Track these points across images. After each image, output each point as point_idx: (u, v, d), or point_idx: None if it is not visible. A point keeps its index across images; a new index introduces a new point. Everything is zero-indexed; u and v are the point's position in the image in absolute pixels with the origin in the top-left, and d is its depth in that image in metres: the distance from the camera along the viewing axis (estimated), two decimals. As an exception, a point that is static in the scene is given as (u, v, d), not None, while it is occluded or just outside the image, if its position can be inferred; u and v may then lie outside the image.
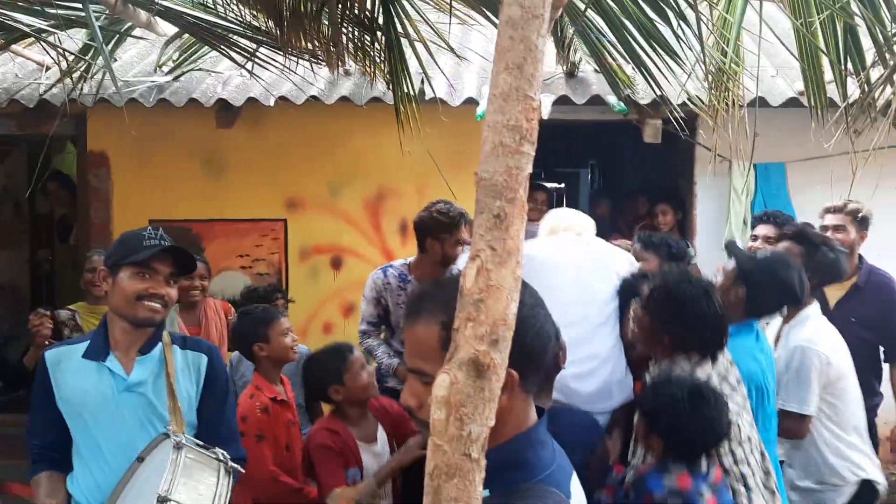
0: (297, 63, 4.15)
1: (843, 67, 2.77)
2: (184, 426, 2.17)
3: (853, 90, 2.94)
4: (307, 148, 5.18)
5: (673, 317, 2.40)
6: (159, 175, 5.19)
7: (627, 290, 2.94)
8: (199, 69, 4.91)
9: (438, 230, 3.54)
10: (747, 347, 2.68)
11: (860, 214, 3.66)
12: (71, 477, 2.24)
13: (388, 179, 5.26)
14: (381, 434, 2.96)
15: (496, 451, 0.98)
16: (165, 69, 4.94)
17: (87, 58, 4.03)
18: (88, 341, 2.26)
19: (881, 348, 3.68)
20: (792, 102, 4.44)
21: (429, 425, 1.11)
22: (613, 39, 3.28)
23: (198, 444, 2.13)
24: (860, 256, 3.71)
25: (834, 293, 3.66)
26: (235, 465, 2.12)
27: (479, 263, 0.84)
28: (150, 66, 5.07)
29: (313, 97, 4.73)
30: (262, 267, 5.36)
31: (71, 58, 3.88)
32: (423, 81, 4.39)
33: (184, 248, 2.25)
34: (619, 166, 8.10)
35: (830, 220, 3.68)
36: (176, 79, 4.87)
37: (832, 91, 3.16)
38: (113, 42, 4.14)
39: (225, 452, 2.13)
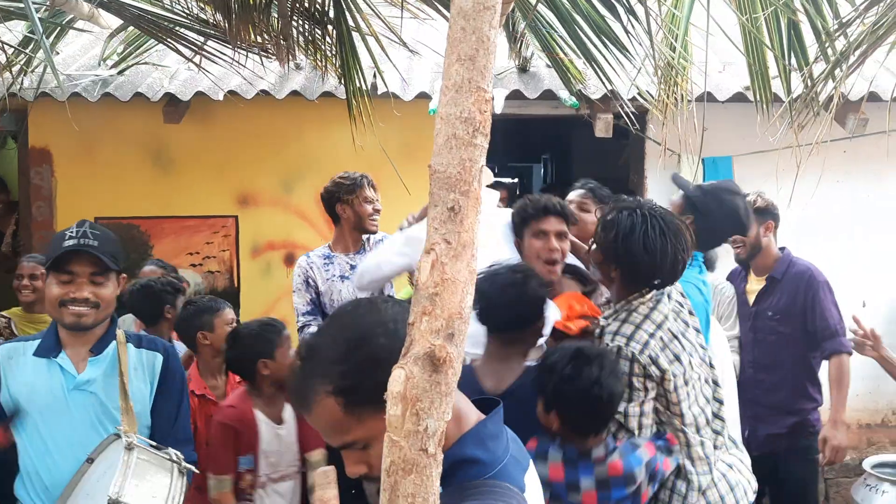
0: (247, 57, 4.08)
1: (787, 62, 2.83)
2: (136, 426, 2.11)
3: (797, 85, 3.01)
4: (258, 143, 5.10)
5: (617, 249, 2.26)
6: (105, 171, 5.05)
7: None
8: (146, 63, 4.80)
9: (343, 193, 3.72)
10: (691, 279, 2.62)
11: (755, 206, 3.54)
12: (19, 479, 2.18)
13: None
14: (290, 415, 2.88)
15: (447, 452, 0.97)
16: (110, 63, 4.82)
17: (27, 51, 3.91)
18: (41, 339, 2.21)
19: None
20: (738, 97, 4.53)
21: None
22: (565, 34, 3.31)
23: (150, 445, 2.09)
24: (782, 248, 3.63)
25: (752, 288, 3.65)
26: (189, 466, 2.07)
27: (433, 257, 0.83)
28: (93, 59, 4.94)
29: (264, 91, 4.66)
30: (212, 264, 5.27)
31: (10, 51, 3.75)
32: (374, 76, 4.36)
33: (89, 248, 2.11)
34: (571, 160, 8.18)
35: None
36: (121, 73, 4.75)
37: (777, 86, 3.24)
38: (54, 35, 4.03)
39: (178, 453, 2.09)
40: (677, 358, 2.24)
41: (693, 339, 2.36)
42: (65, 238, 2.11)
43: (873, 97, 4.04)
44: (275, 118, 5.01)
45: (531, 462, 1.21)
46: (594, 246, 2.38)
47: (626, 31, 2.87)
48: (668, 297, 2.35)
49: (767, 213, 3.62)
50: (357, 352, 1.09)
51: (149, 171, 5.08)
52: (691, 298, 2.49)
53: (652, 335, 2.23)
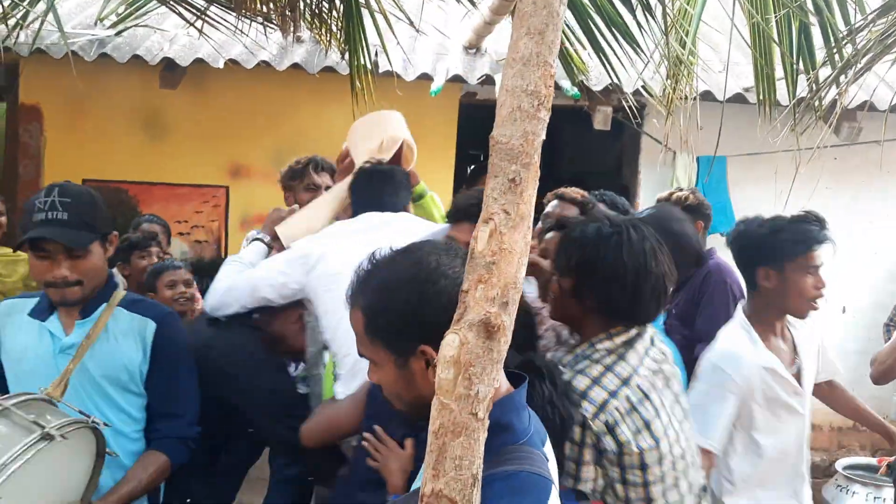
0: (250, 25, 4.04)
1: (795, 63, 2.86)
2: (63, 391, 1.97)
3: (801, 89, 3.05)
4: (254, 114, 5.07)
5: (583, 272, 1.79)
6: (96, 133, 4.99)
7: None
8: (144, 25, 4.73)
9: (289, 178, 3.64)
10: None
11: (686, 202, 3.45)
12: None
13: (334, 151, 5.17)
14: None
15: None
16: (107, 23, 4.74)
17: (24, 3, 3.83)
18: (39, 299, 2.14)
19: None
20: (736, 98, 4.58)
21: (390, 401, 1.21)
22: (574, 24, 3.31)
23: (59, 415, 1.85)
24: (709, 250, 3.44)
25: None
26: (55, 434, 1.73)
27: (492, 226, 0.84)
28: (90, 18, 4.85)
29: (264, 62, 4.62)
30: (200, 234, 5.24)
31: (7, 2, 3.67)
32: (377, 53, 4.34)
33: (58, 223, 1.95)
34: (562, 153, 8.20)
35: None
36: (119, 34, 4.68)
37: (780, 89, 3.27)
38: (54, -11, 3.94)
39: (97, 422, 1.88)
40: (647, 426, 1.71)
41: (672, 402, 1.83)
42: (34, 210, 1.96)
43: (870, 107, 4.10)
44: (272, 90, 4.97)
45: (547, 436, 1.25)
46: (555, 272, 1.90)
47: (640, 25, 2.88)
48: (644, 340, 1.82)
49: (698, 213, 3.46)
50: (386, 293, 1.19)
51: (141, 136, 5.03)
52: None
53: (614, 394, 1.69)
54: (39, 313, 2.10)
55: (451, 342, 0.84)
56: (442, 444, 0.82)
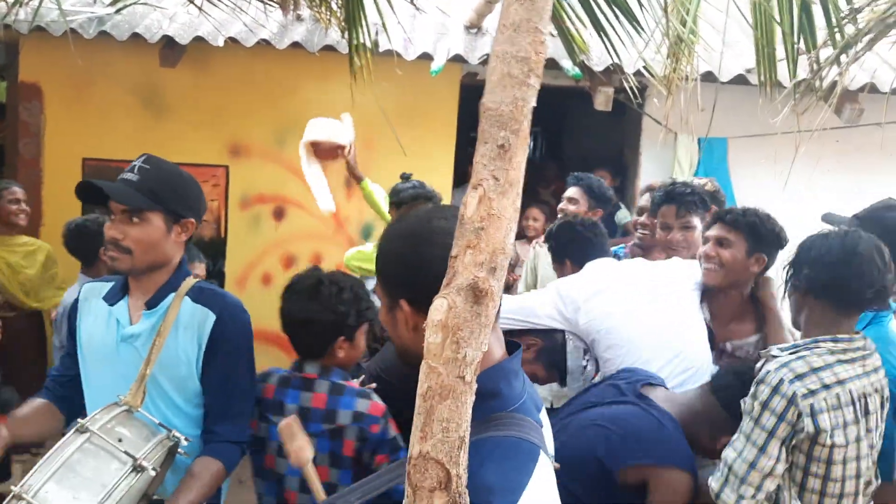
0: (250, 3, 4.03)
1: (796, 44, 2.85)
2: (142, 397, 1.90)
3: (803, 71, 3.04)
4: (254, 93, 5.05)
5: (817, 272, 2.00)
6: (96, 111, 4.98)
7: None
8: (144, 3, 4.71)
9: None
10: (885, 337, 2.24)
11: (705, 188, 3.42)
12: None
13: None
14: None
15: None
16: (107, 0, 4.72)
17: (24, -20, 3.81)
18: (115, 282, 2.07)
19: None
20: (738, 80, 4.56)
21: (398, 347, 1.23)
22: (575, 2, 3.29)
23: (141, 425, 1.81)
24: None
25: None
26: (146, 466, 1.71)
27: (481, 192, 0.85)
28: (90, -5, 4.84)
29: (264, 41, 4.61)
30: (200, 213, 5.24)
31: (7, -21, 3.66)
32: (377, 32, 4.32)
33: (124, 181, 1.90)
34: (563, 135, 8.19)
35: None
36: (118, 11, 4.66)
37: (781, 70, 3.26)
38: (53, -34, 3.92)
39: (178, 437, 1.84)
40: (845, 426, 1.90)
41: (875, 425, 1.99)
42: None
43: (871, 89, 4.08)
44: (272, 69, 4.96)
45: (543, 404, 1.26)
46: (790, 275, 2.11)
47: (640, 3, 2.87)
48: (871, 356, 2.02)
49: (715, 201, 3.46)
50: (390, 239, 1.25)
51: (140, 115, 5.02)
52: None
53: (827, 387, 1.90)
54: (111, 297, 2.03)
55: (439, 306, 0.84)
56: (430, 406, 0.83)
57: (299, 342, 2.18)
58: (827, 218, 2.62)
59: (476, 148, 0.88)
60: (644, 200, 3.64)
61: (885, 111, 3.36)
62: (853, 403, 1.91)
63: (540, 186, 6.09)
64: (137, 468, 1.69)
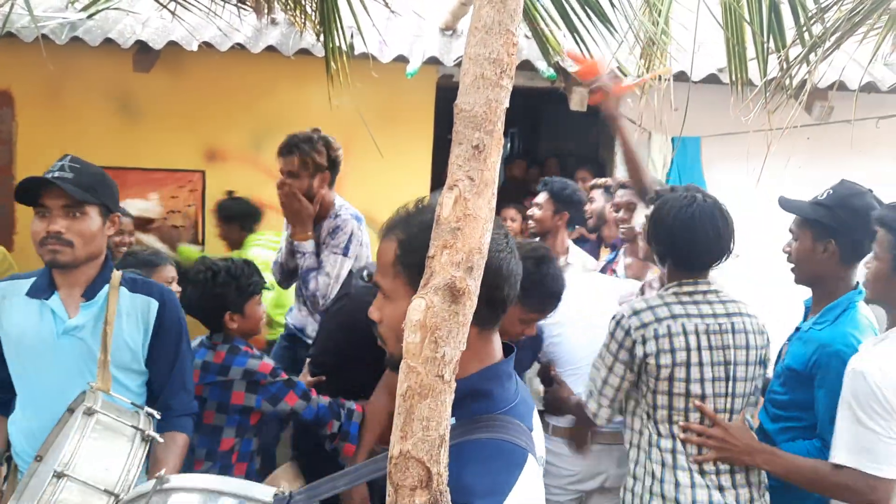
0: (224, 7, 4.01)
1: (765, 43, 2.90)
2: (110, 382, 2.01)
3: (772, 69, 3.08)
4: (229, 97, 5.03)
5: (659, 232, 2.37)
6: (69, 117, 4.93)
7: None
8: (116, 8, 4.67)
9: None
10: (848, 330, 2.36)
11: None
12: (11, 419, 2.14)
13: (311, 134, 5.18)
14: None
15: (464, 381, 1.02)
16: (79, 6, 4.68)
17: (-7, -14, 3.77)
18: (35, 278, 2.12)
19: None
20: (710, 79, 4.61)
21: (382, 340, 1.20)
22: (549, 4, 3.32)
23: (118, 408, 1.92)
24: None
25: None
26: (153, 434, 1.89)
27: (456, 193, 0.86)
28: (61, 1, 4.79)
29: (238, 45, 4.59)
30: (177, 219, 5.20)
31: (-25, -15, 3.62)
32: (352, 35, 4.32)
33: (60, 180, 1.97)
34: (539, 135, 8.23)
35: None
36: (90, 17, 4.62)
37: (752, 69, 3.31)
38: (24, -29, 3.88)
39: (153, 413, 1.95)
40: (672, 351, 2.25)
41: (720, 362, 2.29)
42: (49, 172, 2.01)
43: (840, 86, 4.15)
44: (247, 73, 4.94)
45: (535, 408, 1.26)
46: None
47: (613, 5, 2.90)
48: (727, 304, 2.32)
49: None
50: (429, 233, 1.20)
51: (114, 120, 4.97)
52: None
53: (659, 320, 2.26)
54: (39, 292, 2.08)
55: (417, 306, 0.85)
56: (409, 406, 0.84)
57: (200, 321, 2.57)
58: (783, 202, 2.66)
59: (451, 149, 0.89)
60: (619, 196, 3.70)
61: (855, 108, 3.42)
62: (685, 334, 2.25)
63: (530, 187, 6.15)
64: (145, 438, 1.86)
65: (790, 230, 2.61)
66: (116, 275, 2.14)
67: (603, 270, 3.71)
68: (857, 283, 2.41)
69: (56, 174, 1.99)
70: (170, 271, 3.19)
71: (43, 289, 2.08)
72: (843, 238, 2.36)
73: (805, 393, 2.32)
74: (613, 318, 2.37)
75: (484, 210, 0.86)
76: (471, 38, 0.88)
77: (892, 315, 2.18)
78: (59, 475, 1.67)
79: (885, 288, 2.16)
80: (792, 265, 2.54)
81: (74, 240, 2.01)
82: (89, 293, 2.08)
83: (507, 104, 0.88)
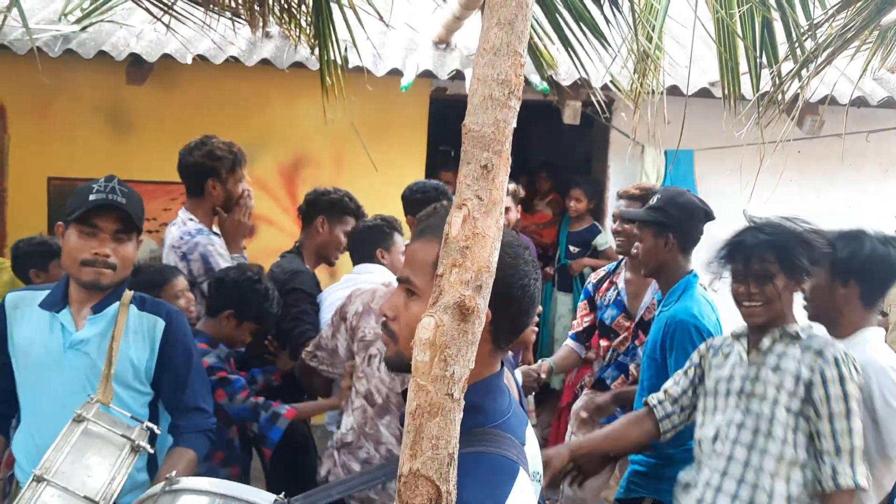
0: (218, 20, 4.01)
1: (758, 58, 2.93)
2: (111, 395, 2.01)
3: (765, 83, 3.11)
4: (222, 110, 5.03)
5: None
6: (61, 130, 4.92)
7: None
8: (110, 21, 4.67)
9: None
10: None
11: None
12: (16, 435, 2.13)
13: (304, 146, 5.18)
14: None
15: None
16: (72, 18, 4.68)
17: (-14, -1, 3.76)
18: (49, 291, 2.13)
19: None
20: (702, 93, 4.65)
21: (394, 337, 1.20)
22: (542, 18, 3.35)
23: (113, 418, 1.94)
24: None
25: None
26: (144, 445, 1.91)
27: (465, 212, 0.86)
28: (55, 14, 4.79)
29: (232, 58, 4.59)
30: (169, 231, 5.18)
31: (-31, -2, 3.61)
32: (346, 48, 4.33)
33: (122, 204, 2.01)
34: (529, 148, 8.25)
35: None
36: (84, 29, 4.62)
37: (744, 83, 3.34)
38: (18, -16, 3.87)
39: (153, 427, 1.97)
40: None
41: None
42: (91, 191, 2.00)
43: (831, 101, 4.19)
44: (240, 86, 4.94)
45: (528, 421, 1.27)
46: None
47: (607, 20, 2.92)
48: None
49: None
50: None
51: (107, 133, 4.97)
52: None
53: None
54: (52, 305, 2.09)
55: (426, 325, 0.86)
56: (419, 424, 0.84)
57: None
58: (623, 213, 3.17)
59: (459, 168, 0.89)
60: (616, 207, 3.70)
61: (845, 123, 3.45)
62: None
63: (536, 198, 6.17)
64: (135, 448, 1.87)
65: (634, 234, 3.04)
66: (127, 294, 2.15)
67: (602, 281, 3.67)
68: (692, 269, 2.87)
69: (110, 196, 2.00)
70: (181, 282, 3.14)
71: (56, 302, 2.09)
72: (678, 230, 2.83)
73: (665, 375, 2.63)
74: None
75: (492, 229, 0.87)
76: (479, 59, 0.88)
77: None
78: (38, 479, 1.68)
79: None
80: (637, 261, 2.98)
81: (119, 264, 2.05)
82: (99, 307, 2.09)
83: (514, 124, 0.89)
